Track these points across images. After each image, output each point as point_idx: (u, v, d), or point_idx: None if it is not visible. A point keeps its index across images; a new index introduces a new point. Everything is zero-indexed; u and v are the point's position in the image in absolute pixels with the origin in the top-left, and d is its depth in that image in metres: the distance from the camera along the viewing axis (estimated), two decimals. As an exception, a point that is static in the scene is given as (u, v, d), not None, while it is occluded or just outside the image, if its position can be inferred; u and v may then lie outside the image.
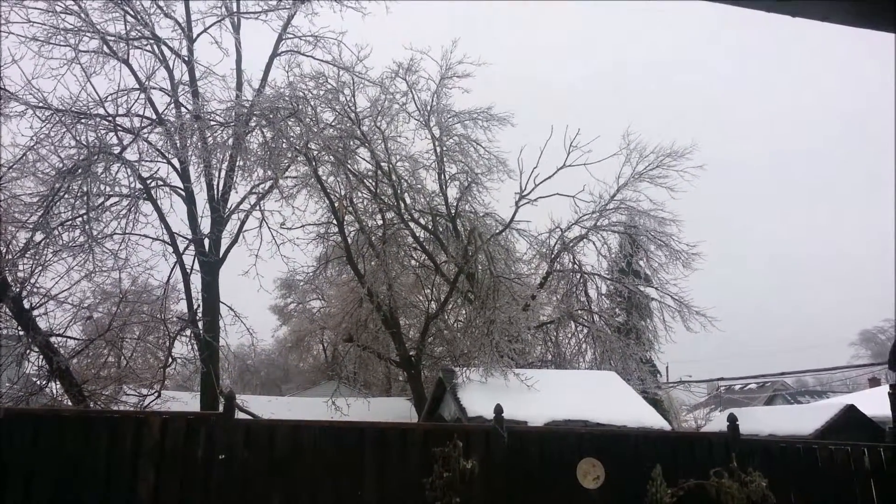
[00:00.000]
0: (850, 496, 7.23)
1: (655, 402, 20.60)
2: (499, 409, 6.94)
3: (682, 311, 19.25)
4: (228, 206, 14.16)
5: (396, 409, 19.98)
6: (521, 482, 6.70)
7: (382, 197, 16.29)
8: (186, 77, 14.22)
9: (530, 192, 17.23)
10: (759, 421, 15.68)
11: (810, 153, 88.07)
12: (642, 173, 19.34)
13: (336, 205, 15.76)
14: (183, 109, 13.91)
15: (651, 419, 11.82)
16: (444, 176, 17.07)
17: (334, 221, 16.28)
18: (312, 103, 14.49)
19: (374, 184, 16.05)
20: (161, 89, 13.90)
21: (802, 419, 16.13)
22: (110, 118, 12.62)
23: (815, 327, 62.95)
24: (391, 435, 6.75)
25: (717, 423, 20.46)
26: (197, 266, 13.94)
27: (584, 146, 17.33)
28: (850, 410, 15.63)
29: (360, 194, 16.59)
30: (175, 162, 13.66)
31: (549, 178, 17.40)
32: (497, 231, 17.52)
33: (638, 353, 19.37)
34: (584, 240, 19.78)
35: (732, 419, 7.25)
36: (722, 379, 34.68)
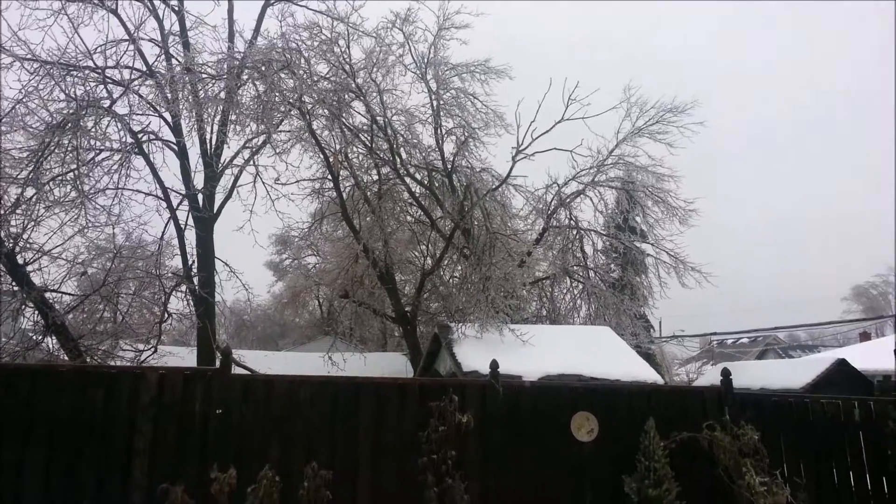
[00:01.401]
0: (839, 448, 7.34)
1: (649, 357, 20.81)
2: (494, 364, 6.97)
3: (677, 266, 19.31)
4: (222, 160, 13.99)
5: (392, 365, 20.17)
6: (517, 435, 6.78)
7: (378, 152, 16.12)
8: (177, 27, 13.90)
9: (527, 146, 17.06)
10: (752, 375, 15.87)
11: (805, 113, 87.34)
12: (642, 128, 19.17)
13: (331, 160, 15.59)
14: (174, 61, 13.62)
15: (644, 373, 11.95)
16: (441, 130, 16.88)
17: (329, 177, 16.14)
18: (306, 55, 14.18)
19: (369, 138, 15.86)
20: (151, 40, 13.57)
21: (794, 373, 16.34)
22: (99, 70, 12.34)
23: (808, 283, 63.43)
24: (387, 389, 6.77)
25: (709, 377, 20.73)
26: (191, 222, 13.84)
27: (582, 99, 17.09)
28: (841, 364, 15.83)
29: (355, 149, 16.42)
30: (167, 115, 13.39)
31: (547, 132, 17.19)
32: (493, 186, 17.39)
33: (632, 308, 19.48)
34: (582, 195, 19.69)
35: (726, 373, 7.29)
36: (715, 334, 35.05)
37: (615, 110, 18.89)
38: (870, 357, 21.38)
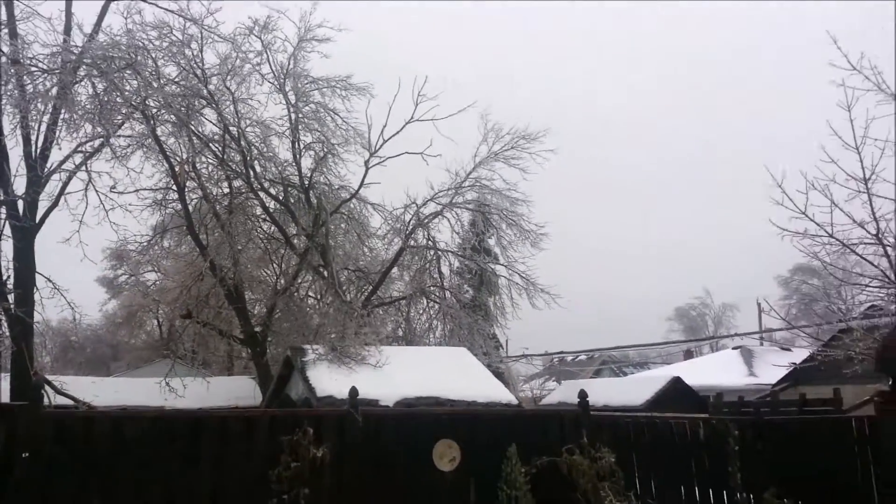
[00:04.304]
0: (686, 465, 7.66)
1: (499, 375, 21.21)
2: (354, 392, 6.57)
3: (528, 288, 19.78)
4: (49, 164, 12.57)
5: (239, 389, 19.06)
6: (376, 467, 6.41)
7: (230, 163, 15.24)
8: (3, 15, 12.38)
9: (379, 148, 16.66)
10: (593, 392, 16.46)
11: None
12: (498, 153, 19.51)
13: (176, 169, 14.54)
14: (-3, 51, 12.14)
15: (500, 394, 12.00)
16: (299, 145, 16.25)
17: (174, 187, 15.02)
18: (153, 55, 13.19)
19: (220, 149, 14.97)
20: (-31, 29, 12.01)
21: (633, 391, 17.24)
22: None
23: (636, 304, 68.27)
24: (233, 424, 6.14)
25: (557, 394, 21.50)
26: (8, 231, 12.29)
27: (431, 97, 16.75)
28: (677, 382, 16.90)
29: (204, 159, 15.45)
30: (-16, 111, 11.89)
31: (398, 132, 16.89)
32: (346, 199, 17.00)
33: (485, 328, 19.75)
34: (440, 216, 19.72)
35: (583, 395, 7.39)
36: (562, 353, 36.62)
37: (464, 112, 18.74)
38: (697, 373, 23.31)
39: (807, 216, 9.45)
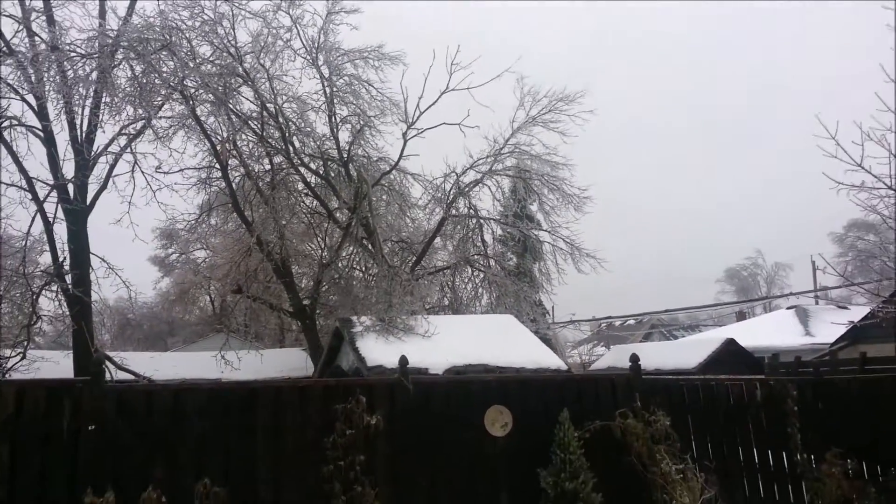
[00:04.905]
0: (743, 428, 7.51)
1: (547, 341, 21.14)
2: (404, 361, 6.59)
3: (573, 253, 19.57)
4: (95, 147, 12.85)
5: (291, 361, 19.44)
6: (428, 434, 6.43)
7: (269, 140, 15.32)
8: (39, 2, 12.61)
9: (416, 119, 16.56)
10: (644, 356, 16.22)
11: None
12: (536, 117, 19.19)
13: (218, 148, 14.67)
14: (37, 39, 12.38)
15: (548, 360, 11.97)
16: (336, 118, 16.23)
17: (217, 166, 15.19)
18: (187, 35, 13.24)
19: (259, 126, 15.03)
20: (9, 16, 12.27)
21: (685, 353, 16.93)
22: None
23: (688, 265, 67.24)
24: (287, 394, 6.24)
25: (606, 359, 21.33)
26: (61, 214, 12.66)
27: (466, 65, 16.53)
28: (730, 344, 16.55)
29: (244, 137, 15.54)
30: (30, 98, 12.18)
31: (434, 103, 16.71)
32: (386, 171, 16.99)
33: (531, 295, 19.63)
34: (480, 184, 19.58)
35: (635, 359, 7.27)
36: (609, 318, 36.25)
37: (509, 98, 18.65)
38: (751, 335, 22.79)
39: (863, 168, 8.98)
